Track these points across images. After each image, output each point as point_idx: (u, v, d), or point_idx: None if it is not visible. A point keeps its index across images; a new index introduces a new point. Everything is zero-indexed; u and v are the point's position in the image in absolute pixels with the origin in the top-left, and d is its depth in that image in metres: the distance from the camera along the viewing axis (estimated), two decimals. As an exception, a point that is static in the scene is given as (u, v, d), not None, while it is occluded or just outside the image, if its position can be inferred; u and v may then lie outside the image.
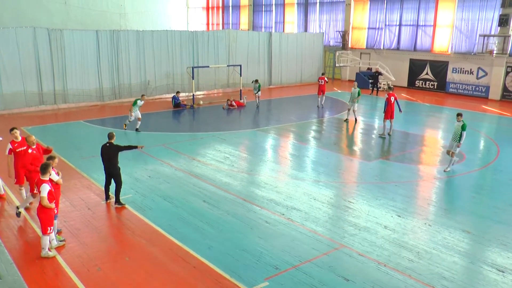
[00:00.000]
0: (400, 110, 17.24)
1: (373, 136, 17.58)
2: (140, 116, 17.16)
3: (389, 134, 17.22)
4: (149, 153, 14.29)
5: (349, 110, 20.10)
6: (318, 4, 36.42)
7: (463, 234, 9.17)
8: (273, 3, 40.29)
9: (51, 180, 8.05)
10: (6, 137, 11.01)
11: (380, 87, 29.08)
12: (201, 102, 23.94)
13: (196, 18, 49.03)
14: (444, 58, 28.74)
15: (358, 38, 33.87)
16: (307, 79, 33.23)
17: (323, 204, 10.61)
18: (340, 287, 7.29)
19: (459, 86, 28.22)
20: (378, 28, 32.37)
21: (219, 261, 7.94)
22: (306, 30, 37.19)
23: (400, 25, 30.96)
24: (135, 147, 10.74)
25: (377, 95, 27.88)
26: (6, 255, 7.15)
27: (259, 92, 23.16)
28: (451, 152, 12.94)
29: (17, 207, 9.49)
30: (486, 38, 26.21)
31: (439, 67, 29.02)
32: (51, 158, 8.43)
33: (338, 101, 25.30)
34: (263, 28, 41.21)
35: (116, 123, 18.51)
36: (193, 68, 23.94)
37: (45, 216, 7.76)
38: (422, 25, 29.74)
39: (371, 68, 31.38)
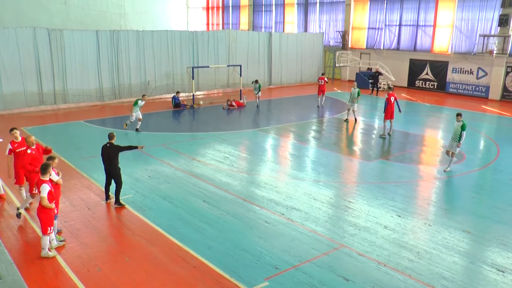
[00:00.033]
0: (399, 110, 17.24)
1: (373, 136, 17.58)
2: (140, 117, 17.16)
3: (389, 134, 17.22)
4: (149, 153, 14.30)
5: (349, 110, 20.10)
6: (318, 4, 36.40)
7: (463, 234, 9.17)
8: (273, 3, 40.28)
9: (51, 180, 8.05)
10: (6, 137, 11.02)
11: (380, 87, 29.08)
12: (201, 102, 23.95)
13: (196, 18, 49.02)
14: (444, 58, 28.73)
15: (358, 38, 33.86)
16: (307, 79, 33.22)
17: (323, 204, 10.61)
18: (340, 287, 7.29)
19: (459, 86, 28.22)
20: (378, 28, 32.36)
21: (219, 261, 7.94)
22: (306, 30, 37.17)
23: (400, 25, 30.95)
24: (136, 147, 10.75)
25: (377, 95, 27.88)
26: (6, 255, 7.15)
27: (260, 93, 23.19)
28: (451, 152, 12.95)
29: (18, 208, 9.50)
30: (486, 38, 26.20)
31: (439, 67, 29.02)
32: (51, 158, 8.43)
33: (338, 101, 25.30)
34: (263, 28, 41.20)
35: (116, 123, 18.51)
36: (193, 68, 23.94)
37: (45, 216, 7.77)
38: (422, 25, 29.73)
39: (371, 68, 31.37)
